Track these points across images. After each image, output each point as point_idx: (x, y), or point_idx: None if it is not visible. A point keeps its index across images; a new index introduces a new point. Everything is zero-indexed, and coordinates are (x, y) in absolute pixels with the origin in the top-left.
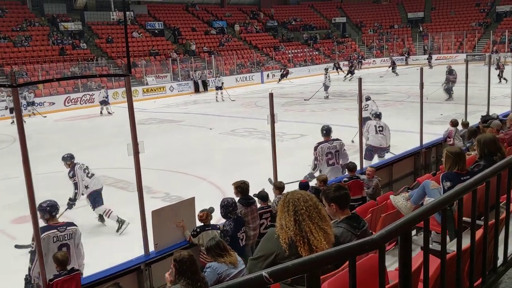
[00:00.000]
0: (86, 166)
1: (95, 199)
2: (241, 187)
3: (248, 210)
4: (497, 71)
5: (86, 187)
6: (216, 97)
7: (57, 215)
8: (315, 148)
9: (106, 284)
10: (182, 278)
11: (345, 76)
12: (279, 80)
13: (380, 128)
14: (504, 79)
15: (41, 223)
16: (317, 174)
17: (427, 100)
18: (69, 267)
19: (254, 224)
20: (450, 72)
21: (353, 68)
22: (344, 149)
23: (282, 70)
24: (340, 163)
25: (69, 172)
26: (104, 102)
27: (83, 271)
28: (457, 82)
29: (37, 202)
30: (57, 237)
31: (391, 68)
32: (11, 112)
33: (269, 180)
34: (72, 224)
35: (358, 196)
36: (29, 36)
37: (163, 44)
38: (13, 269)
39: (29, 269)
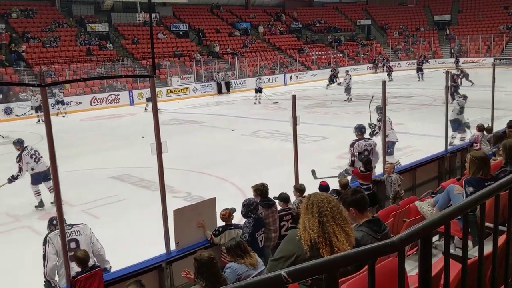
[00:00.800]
0: (35, 151)
1: (36, 179)
2: (260, 190)
3: (269, 212)
4: None
5: (32, 169)
6: (255, 100)
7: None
8: (352, 145)
9: (127, 281)
10: (202, 278)
11: (327, 84)
12: (329, 84)
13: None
14: None
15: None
16: (351, 170)
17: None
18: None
19: (275, 226)
20: (452, 77)
21: (334, 75)
22: (376, 149)
23: (333, 71)
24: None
25: (16, 157)
26: (151, 99)
27: (107, 265)
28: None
29: (63, 199)
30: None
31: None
32: (36, 111)
33: (312, 172)
34: (78, 224)
35: (369, 183)
36: (57, 37)
37: (187, 45)
38: (36, 264)
39: (44, 273)
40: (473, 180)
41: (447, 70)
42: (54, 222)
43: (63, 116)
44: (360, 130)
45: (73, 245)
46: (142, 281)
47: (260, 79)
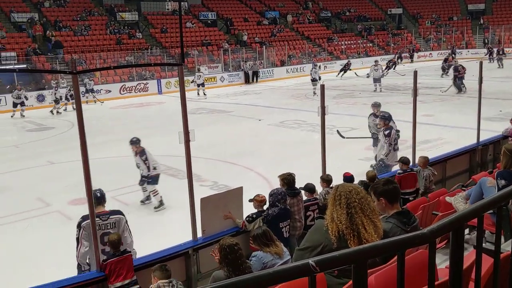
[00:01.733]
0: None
1: (154, 179)
2: (287, 179)
3: (294, 200)
4: None
5: (154, 168)
6: (314, 91)
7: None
8: (389, 134)
9: (154, 267)
10: (225, 264)
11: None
12: (340, 74)
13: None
14: None
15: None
16: (387, 159)
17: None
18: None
19: (299, 215)
20: (455, 69)
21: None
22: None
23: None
24: None
25: (141, 155)
26: (203, 85)
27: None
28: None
29: (93, 186)
30: (99, 226)
31: (393, 67)
32: (56, 102)
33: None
34: (117, 212)
35: (412, 189)
36: (88, 26)
37: (215, 34)
38: (66, 249)
39: (76, 256)
40: (505, 173)
41: (480, 60)
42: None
43: (101, 103)
44: (389, 118)
45: (106, 238)
46: (168, 266)
47: (315, 67)
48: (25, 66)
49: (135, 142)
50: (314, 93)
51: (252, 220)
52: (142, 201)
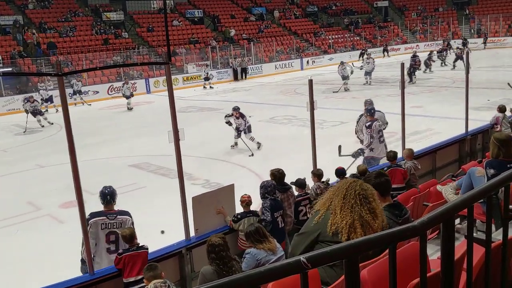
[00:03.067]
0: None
1: (249, 128)
2: (276, 175)
3: (284, 196)
4: None
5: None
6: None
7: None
8: (370, 126)
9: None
10: (212, 261)
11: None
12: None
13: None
14: None
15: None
16: (366, 151)
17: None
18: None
19: (290, 210)
20: (413, 57)
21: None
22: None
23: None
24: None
25: (242, 117)
26: (207, 79)
27: None
28: (503, 66)
29: (83, 188)
30: (105, 224)
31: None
32: (45, 102)
33: (339, 148)
34: (124, 213)
35: (400, 185)
36: (73, 27)
37: (202, 32)
38: (58, 252)
39: (81, 252)
40: (494, 162)
41: (467, 50)
42: (105, 192)
43: (89, 105)
44: (372, 112)
45: (112, 237)
46: (154, 264)
47: (343, 65)
48: (10, 69)
49: (236, 109)
50: (346, 89)
51: (237, 220)
52: (258, 146)
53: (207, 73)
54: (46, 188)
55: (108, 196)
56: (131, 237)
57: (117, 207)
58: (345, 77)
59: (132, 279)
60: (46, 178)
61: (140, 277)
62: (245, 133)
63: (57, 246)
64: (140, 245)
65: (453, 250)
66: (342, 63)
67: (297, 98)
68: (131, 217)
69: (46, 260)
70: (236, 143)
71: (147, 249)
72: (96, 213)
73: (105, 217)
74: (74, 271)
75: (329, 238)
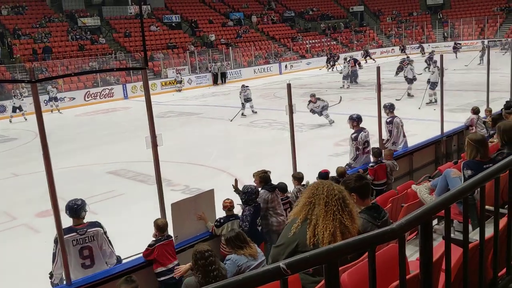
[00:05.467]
0: None
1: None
2: (264, 177)
3: (273, 195)
4: None
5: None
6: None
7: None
8: (355, 138)
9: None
10: (196, 270)
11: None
12: (329, 68)
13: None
14: None
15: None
16: (354, 164)
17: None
18: (111, 262)
19: (280, 208)
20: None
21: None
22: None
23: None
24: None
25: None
26: (180, 82)
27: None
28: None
29: (58, 196)
30: (76, 241)
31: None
32: (13, 111)
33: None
34: (95, 224)
35: (383, 180)
36: (48, 33)
37: (180, 37)
38: (35, 262)
39: (52, 271)
40: (471, 163)
41: (441, 54)
42: (71, 205)
43: (60, 113)
44: (357, 120)
45: (86, 252)
46: (133, 276)
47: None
48: None
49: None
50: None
51: (220, 225)
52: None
53: (178, 75)
54: (22, 197)
55: (75, 210)
56: (164, 227)
57: (94, 215)
58: (345, 76)
59: (169, 266)
60: (22, 187)
61: (171, 265)
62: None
63: (33, 257)
64: (167, 235)
65: (432, 252)
66: (345, 60)
67: (277, 102)
68: (102, 227)
69: (22, 271)
70: None
71: (172, 237)
72: (66, 230)
73: (75, 233)
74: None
75: (310, 248)
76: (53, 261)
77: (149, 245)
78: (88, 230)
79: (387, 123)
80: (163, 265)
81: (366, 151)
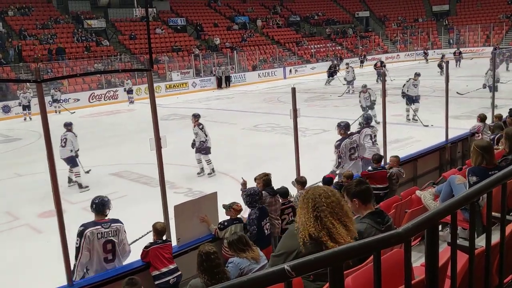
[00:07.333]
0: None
1: (207, 149)
2: (266, 180)
3: (273, 200)
4: None
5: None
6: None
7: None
8: (338, 146)
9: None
10: (201, 271)
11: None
12: (327, 82)
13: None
14: None
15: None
16: (339, 171)
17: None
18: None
19: (276, 214)
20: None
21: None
22: (362, 141)
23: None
24: (360, 155)
25: (199, 126)
26: (130, 91)
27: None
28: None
29: (62, 197)
30: (101, 234)
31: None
32: (23, 109)
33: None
34: (117, 221)
35: (384, 185)
36: (54, 34)
37: (185, 40)
38: (37, 262)
39: (74, 265)
40: (476, 170)
41: (447, 60)
42: (97, 202)
43: (72, 112)
44: (344, 127)
45: (109, 246)
46: (135, 278)
47: (348, 68)
48: None
49: (196, 116)
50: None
51: (223, 228)
52: (198, 173)
53: (128, 82)
54: (25, 197)
55: (102, 206)
56: (162, 231)
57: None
58: (349, 82)
59: (163, 270)
60: (25, 187)
61: (166, 269)
62: (202, 152)
63: (36, 257)
64: (166, 239)
65: (437, 257)
66: (347, 66)
67: (280, 106)
68: (122, 224)
69: (24, 271)
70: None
71: (171, 241)
72: (90, 223)
73: (99, 226)
74: (53, 283)
75: (306, 253)
76: (76, 256)
77: (145, 247)
78: (112, 225)
79: (335, 147)
80: (157, 268)
81: (353, 157)
